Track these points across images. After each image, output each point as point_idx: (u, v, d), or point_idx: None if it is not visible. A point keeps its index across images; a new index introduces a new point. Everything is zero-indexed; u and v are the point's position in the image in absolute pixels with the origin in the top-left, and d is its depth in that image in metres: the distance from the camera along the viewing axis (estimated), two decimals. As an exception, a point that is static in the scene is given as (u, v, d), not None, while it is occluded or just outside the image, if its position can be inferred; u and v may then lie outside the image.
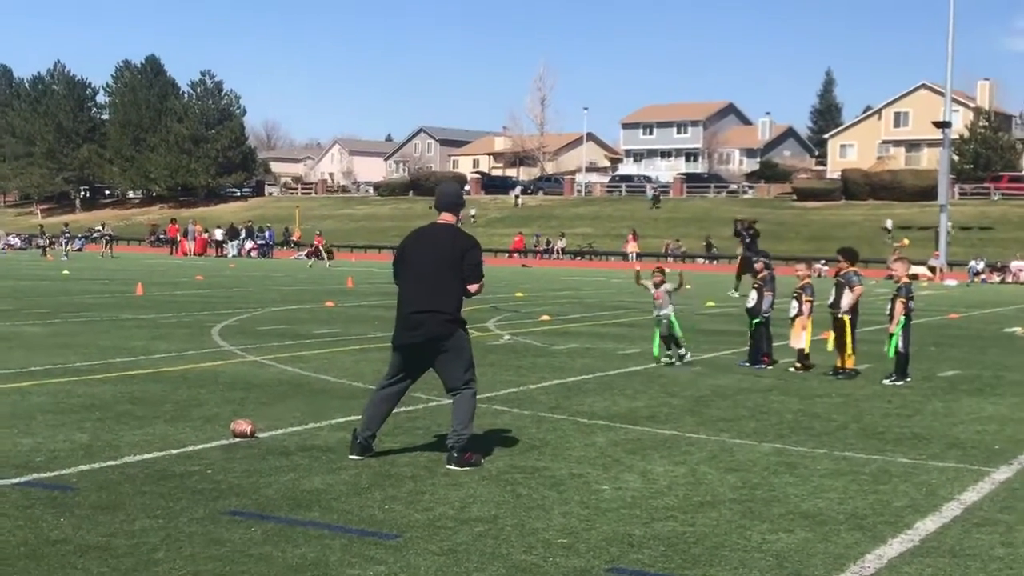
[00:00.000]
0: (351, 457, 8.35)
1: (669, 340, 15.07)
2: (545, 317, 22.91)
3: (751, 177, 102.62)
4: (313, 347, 16.17)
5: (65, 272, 39.93)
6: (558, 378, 13.37)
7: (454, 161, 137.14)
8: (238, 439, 8.93)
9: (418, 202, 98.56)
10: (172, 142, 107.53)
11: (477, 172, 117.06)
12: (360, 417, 8.68)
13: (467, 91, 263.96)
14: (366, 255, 72.38)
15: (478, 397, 8.55)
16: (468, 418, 8.28)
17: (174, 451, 8.48)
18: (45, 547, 5.87)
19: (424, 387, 12.12)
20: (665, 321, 14.97)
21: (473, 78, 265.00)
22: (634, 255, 68.73)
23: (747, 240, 32.62)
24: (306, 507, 6.87)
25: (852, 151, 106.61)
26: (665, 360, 15.02)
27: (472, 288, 8.41)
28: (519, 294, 31.70)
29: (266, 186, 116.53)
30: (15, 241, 73.88)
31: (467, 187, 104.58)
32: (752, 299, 15.10)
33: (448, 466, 8.11)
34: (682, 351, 15.09)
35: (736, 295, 31.47)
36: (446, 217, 8.60)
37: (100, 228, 68.25)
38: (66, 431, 9.14)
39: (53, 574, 5.43)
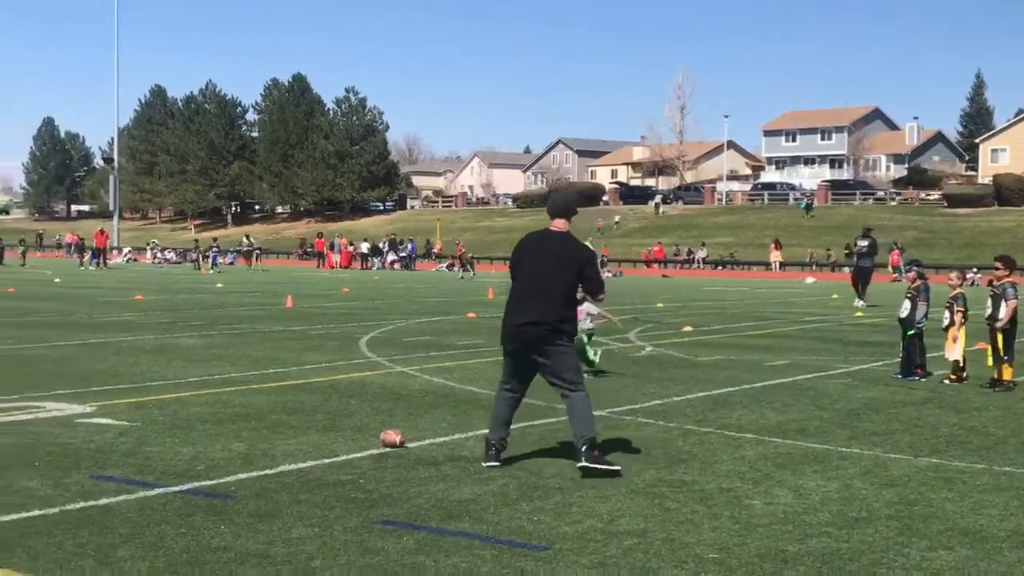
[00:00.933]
0: (486, 465, 8.46)
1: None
2: (687, 328, 22.70)
3: (899, 183, 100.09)
4: (458, 358, 16.34)
5: (219, 285, 41.20)
6: (703, 390, 13.23)
7: (592, 171, 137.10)
8: (388, 449, 9.07)
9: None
10: (318, 158, 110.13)
11: (615, 182, 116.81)
12: (490, 424, 8.80)
13: (605, 101, 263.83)
14: (506, 267, 72.82)
15: (619, 408, 8.52)
16: (588, 419, 8.34)
17: (327, 460, 8.66)
18: (206, 554, 6.06)
19: (569, 399, 12.14)
20: (581, 339, 14.38)
21: (611, 88, 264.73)
22: (778, 264, 67.62)
23: (863, 250, 31.71)
24: (456, 517, 6.94)
25: (1004, 155, 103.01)
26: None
27: (601, 298, 8.64)
28: (660, 305, 31.49)
29: (408, 199, 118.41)
30: (171, 255, 76.53)
31: (605, 198, 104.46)
32: (905, 309, 14.70)
33: (580, 464, 8.18)
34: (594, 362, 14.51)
35: (863, 304, 30.66)
36: (560, 224, 8.66)
37: (245, 240, 70.15)
38: (224, 440, 9.42)
39: (215, 580, 5.59)
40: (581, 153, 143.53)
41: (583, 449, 8.25)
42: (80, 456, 8.63)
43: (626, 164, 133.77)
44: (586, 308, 14.26)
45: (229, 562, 5.91)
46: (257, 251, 66.57)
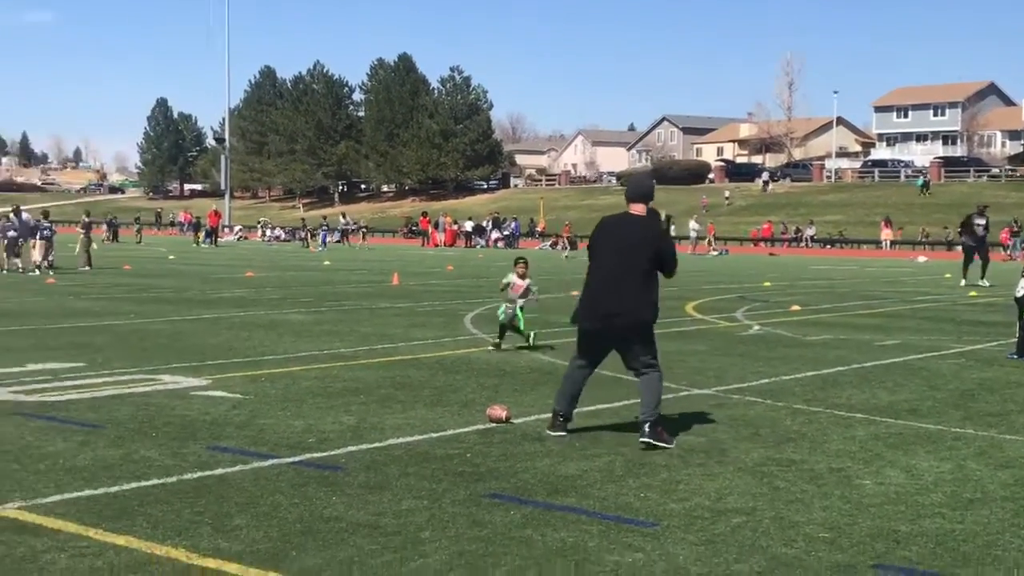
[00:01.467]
0: (553, 434, 8.63)
1: (507, 328, 14.50)
2: (795, 307, 22.40)
3: (1014, 160, 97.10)
4: (562, 336, 16.33)
5: (327, 263, 41.84)
6: (812, 369, 13.06)
7: (697, 149, 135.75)
8: (494, 424, 9.15)
9: (660, 191, 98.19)
10: (423, 137, 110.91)
11: (721, 160, 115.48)
12: (558, 396, 8.86)
13: (711, 78, 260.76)
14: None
15: (726, 387, 8.46)
16: (656, 400, 8.47)
17: (434, 434, 8.76)
18: (319, 523, 6.19)
19: (672, 376, 12.10)
20: (511, 311, 14.45)
21: (718, 64, 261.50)
22: (888, 243, 66.28)
23: (983, 229, 30.83)
24: (563, 492, 6.97)
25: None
26: (492, 347, 14.55)
27: (672, 273, 8.85)
28: (767, 283, 31.10)
29: (511, 178, 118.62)
30: (280, 233, 77.90)
31: (711, 175, 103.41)
32: (1022, 288, 14.30)
33: (642, 440, 8.32)
34: (530, 336, 14.59)
35: (987, 284, 29.89)
36: (638, 208, 8.79)
37: (342, 219, 70.96)
38: (334, 413, 9.59)
39: (327, 549, 5.70)
40: (686, 130, 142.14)
41: (647, 427, 8.36)
42: (196, 427, 8.86)
43: (732, 141, 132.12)
44: (527, 282, 14.61)
45: (341, 532, 6.02)
46: (364, 229, 67.34)
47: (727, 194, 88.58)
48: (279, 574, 5.29)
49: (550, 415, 8.94)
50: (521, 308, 14.55)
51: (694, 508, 6.65)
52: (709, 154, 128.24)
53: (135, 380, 11.24)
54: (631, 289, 8.50)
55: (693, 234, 64.81)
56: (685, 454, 8.18)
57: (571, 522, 6.28)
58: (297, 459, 7.79)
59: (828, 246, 69.77)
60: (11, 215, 31.66)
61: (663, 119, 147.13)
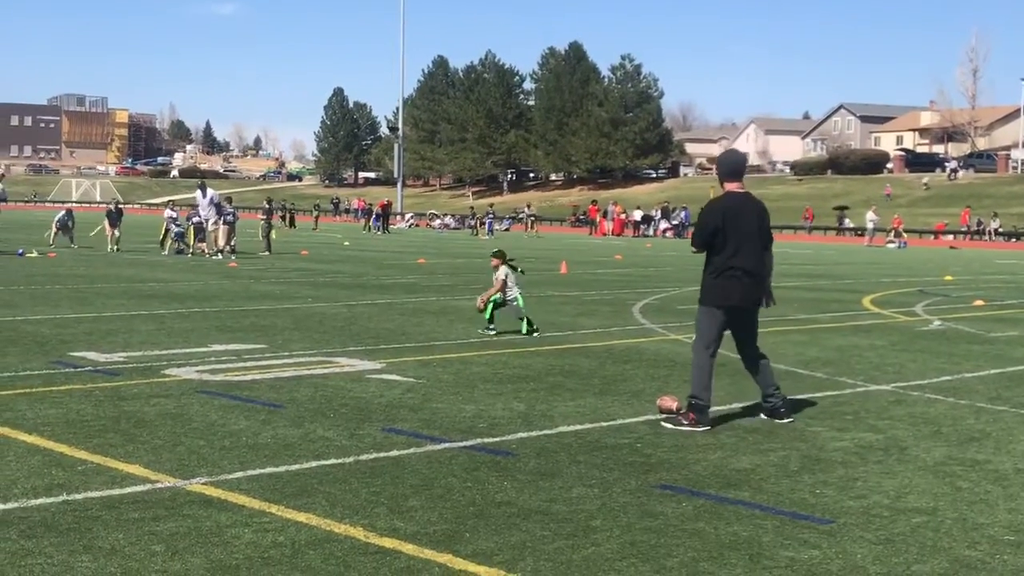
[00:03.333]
0: (706, 429, 8.55)
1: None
2: (979, 302, 21.55)
3: None
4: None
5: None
6: (996, 367, 12.55)
7: (875, 138, 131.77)
8: (664, 415, 9.07)
9: (836, 181, 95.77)
10: (592, 126, 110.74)
11: (900, 149, 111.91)
12: (702, 389, 8.74)
13: (891, 64, 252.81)
14: (781, 235, 71.29)
15: (905, 383, 8.21)
16: (775, 377, 9.07)
17: (604, 423, 8.75)
18: (491, 508, 6.25)
19: (850, 372, 11.80)
20: (514, 304, 14.42)
21: (898, 51, 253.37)
22: (1078, 237, 63.15)
23: None
24: (736, 486, 6.87)
25: None
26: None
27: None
28: (948, 277, 30.03)
29: (681, 167, 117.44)
30: (450, 221, 79.02)
31: (890, 165, 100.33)
32: None
33: (782, 421, 8.80)
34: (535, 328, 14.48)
35: None
36: (737, 185, 8.95)
37: (526, 208, 71.43)
38: (504, 400, 9.68)
39: (500, 533, 5.76)
40: (864, 119, 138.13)
41: (781, 408, 8.91)
42: (371, 409, 9.06)
43: (912, 130, 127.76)
44: (502, 273, 14.64)
45: (513, 516, 6.07)
46: (532, 218, 67.73)
47: (925, 180, 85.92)
48: (453, 556, 5.37)
49: (692, 411, 8.65)
50: (506, 300, 14.63)
51: (872, 506, 6.47)
52: (888, 143, 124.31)
53: (313, 362, 11.57)
54: (763, 263, 8.92)
55: (871, 225, 63.02)
56: (863, 451, 7.97)
57: (744, 516, 6.19)
58: (469, 443, 7.89)
59: (1014, 239, 66.89)
60: (197, 191, 33.05)
61: (840, 107, 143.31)
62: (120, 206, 36.01)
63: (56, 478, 6.62)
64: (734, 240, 8.70)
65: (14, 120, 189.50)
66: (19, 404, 8.83)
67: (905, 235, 62.23)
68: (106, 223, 34.11)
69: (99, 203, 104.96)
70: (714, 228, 8.74)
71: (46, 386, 9.65)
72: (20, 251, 29.09)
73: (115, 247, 32.67)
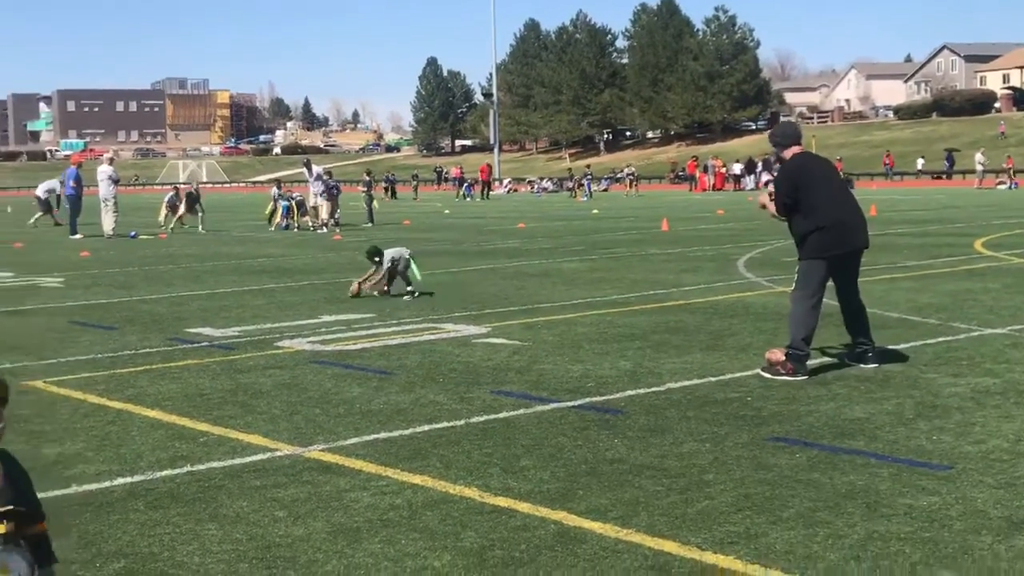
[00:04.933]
0: (805, 377, 8.51)
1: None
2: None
3: None
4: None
5: (595, 211, 42.14)
6: (1118, 306, 12.16)
7: (981, 78, 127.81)
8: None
9: (942, 123, 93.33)
10: (688, 80, 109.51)
11: (1008, 88, 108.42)
12: (807, 337, 8.69)
13: (995, 0, 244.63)
14: (887, 182, 69.78)
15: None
16: (869, 326, 9.09)
17: (712, 378, 8.72)
18: (603, 465, 6.29)
19: (963, 316, 11.56)
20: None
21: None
22: None
23: None
24: (850, 435, 6.81)
25: None
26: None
27: None
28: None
29: (781, 117, 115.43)
30: (548, 185, 78.94)
31: (997, 104, 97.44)
32: None
33: (868, 366, 8.85)
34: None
35: None
36: (798, 148, 9.16)
37: (626, 168, 70.98)
38: (611, 359, 9.70)
39: (613, 490, 5.80)
40: (968, 58, 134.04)
41: (871, 354, 8.92)
42: (479, 373, 9.16)
43: (1020, 68, 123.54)
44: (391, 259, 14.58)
45: (625, 473, 6.11)
46: (631, 177, 67.32)
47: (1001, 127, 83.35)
48: (568, 513, 5.42)
49: (790, 361, 8.62)
50: (412, 257, 14.80)
51: (991, 451, 6.36)
52: (994, 82, 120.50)
53: (420, 329, 11.71)
54: (860, 210, 9.17)
55: (979, 167, 61.32)
56: (979, 396, 7.82)
57: (860, 465, 6.13)
58: (577, 403, 7.94)
59: None
60: (303, 168, 33.55)
61: (943, 47, 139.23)
62: (198, 188, 36.29)
63: (179, 450, 6.83)
64: (822, 192, 8.85)
65: (119, 106, 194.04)
66: (140, 380, 9.12)
67: (1016, 176, 60.40)
68: (164, 205, 34.15)
69: (206, 183, 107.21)
70: (791, 188, 8.86)
71: (165, 362, 9.94)
72: (133, 233, 29.88)
73: (175, 228, 32.39)
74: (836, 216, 8.79)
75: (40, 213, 37.42)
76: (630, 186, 65.30)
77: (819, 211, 8.75)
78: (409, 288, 14.61)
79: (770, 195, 9.26)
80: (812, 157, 9.40)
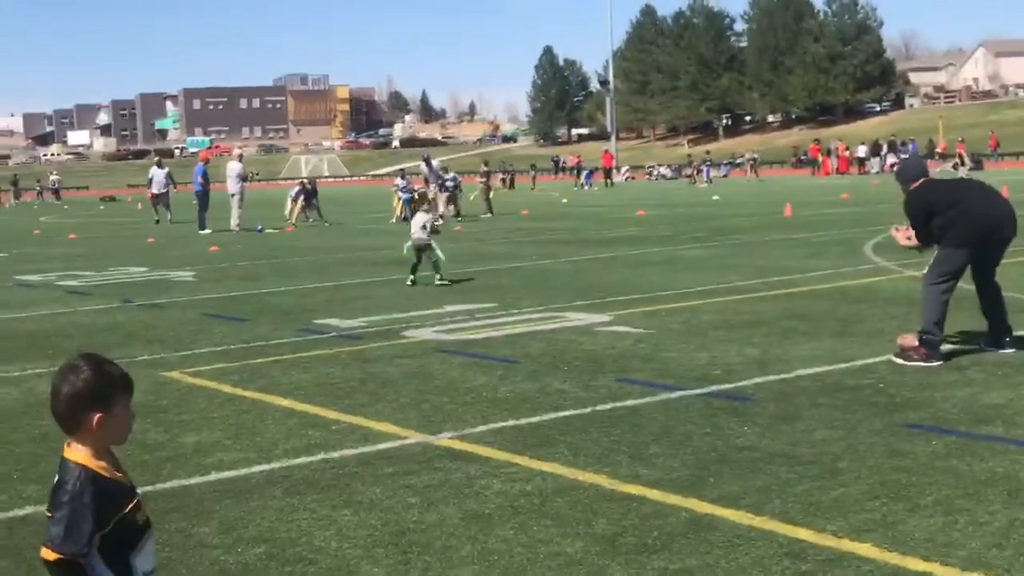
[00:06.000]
0: (939, 364, 8.33)
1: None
2: None
3: None
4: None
5: (715, 197, 41.70)
6: None
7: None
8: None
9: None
10: (809, 62, 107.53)
11: None
12: (940, 325, 8.55)
13: None
14: (1019, 162, 67.54)
15: None
16: (1007, 312, 8.94)
17: (843, 365, 8.58)
18: (733, 452, 6.24)
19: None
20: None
21: None
22: None
23: None
24: (988, 422, 6.63)
25: None
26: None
27: None
28: None
29: (906, 98, 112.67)
30: (666, 171, 78.35)
31: None
32: None
33: (1006, 351, 8.64)
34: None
35: None
36: (924, 180, 9.03)
37: (748, 154, 69.98)
38: (737, 346, 9.60)
39: (744, 478, 5.75)
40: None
41: (1008, 337, 8.73)
42: (603, 361, 9.15)
43: None
44: (419, 219, 14.81)
45: (756, 460, 6.05)
46: (752, 161, 66.40)
47: None
48: (699, 500, 5.40)
49: (924, 346, 8.48)
50: (424, 245, 14.97)
51: None
52: None
53: (543, 318, 11.75)
54: (1007, 203, 9.08)
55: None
56: (1125, 381, 7.54)
57: (999, 452, 5.98)
58: (704, 390, 7.88)
59: None
60: (422, 163, 33.89)
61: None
62: (315, 183, 36.78)
63: (313, 438, 6.98)
64: (966, 193, 8.96)
65: (243, 103, 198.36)
66: (272, 371, 9.34)
67: None
68: (289, 199, 34.69)
69: (328, 177, 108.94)
70: (924, 214, 8.79)
71: (295, 352, 10.16)
72: (259, 227, 30.56)
73: (297, 222, 32.85)
74: (982, 209, 8.70)
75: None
76: (752, 171, 64.41)
77: (962, 207, 8.66)
78: (437, 278, 15.11)
79: (907, 235, 9.14)
80: (935, 182, 9.26)
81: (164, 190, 36.00)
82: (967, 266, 8.73)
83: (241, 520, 5.44)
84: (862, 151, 70.14)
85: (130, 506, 2.96)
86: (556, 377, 8.56)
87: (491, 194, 36.76)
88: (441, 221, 15.54)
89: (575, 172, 71.48)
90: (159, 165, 37.51)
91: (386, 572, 4.70)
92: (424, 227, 15.27)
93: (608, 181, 65.71)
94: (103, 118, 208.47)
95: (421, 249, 15.20)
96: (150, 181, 37.05)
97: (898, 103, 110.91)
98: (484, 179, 37.41)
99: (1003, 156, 69.54)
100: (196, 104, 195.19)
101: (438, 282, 15.05)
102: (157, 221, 35.79)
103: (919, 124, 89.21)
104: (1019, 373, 7.94)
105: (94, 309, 14.11)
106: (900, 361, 8.44)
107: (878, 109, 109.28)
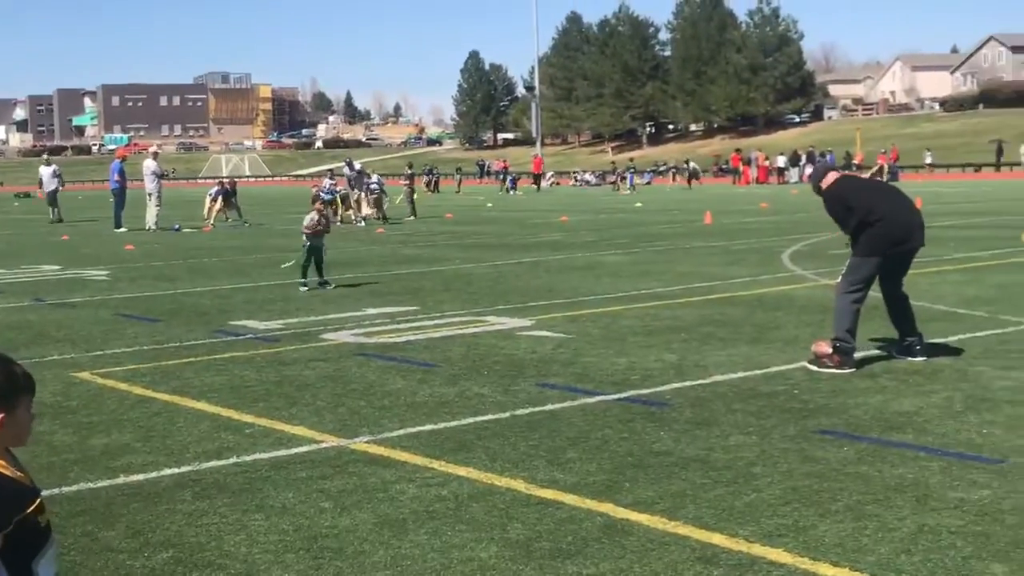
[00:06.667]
0: (851, 371, 8.44)
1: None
2: None
3: None
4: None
5: (638, 204, 41.99)
6: None
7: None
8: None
9: (989, 116, 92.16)
10: (731, 73, 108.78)
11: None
12: (851, 332, 8.66)
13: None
14: (933, 175, 68.97)
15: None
16: (916, 319, 9.03)
17: (758, 371, 8.66)
18: (649, 457, 6.26)
19: (1014, 310, 11.41)
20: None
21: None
22: None
23: None
24: (898, 429, 6.73)
25: None
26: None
27: None
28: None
29: (825, 110, 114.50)
30: (590, 178, 78.72)
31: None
32: None
33: (916, 359, 8.75)
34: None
35: None
36: (836, 175, 9.25)
37: (691, 163, 70.42)
38: (656, 352, 9.65)
39: (659, 482, 5.77)
40: (1016, 49, 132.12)
41: (920, 347, 8.84)
42: (524, 365, 9.14)
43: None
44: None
45: (671, 465, 6.07)
46: (673, 170, 66.96)
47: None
48: (614, 505, 5.40)
49: (837, 354, 8.58)
50: (311, 246, 14.86)
51: (1045, 445, 6.26)
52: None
53: (464, 322, 11.71)
54: (918, 210, 9.23)
55: (1026, 159, 60.52)
56: (1031, 389, 7.71)
57: (909, 458, 6.06)
58: (623, 396, 7.90)
59: None
60: (344, 166, 33.66)
61: (989, 38, 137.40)
62: (234, 182, 36.44)
63: (226, 441, 6.87)
64: (880, 197, 8.99)
65: (163, 101, 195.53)
66: (186, 372, 9.18)
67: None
68: (208, 199, 34.22)
69: (249, 177, 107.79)
70: (842, 206, 8.90)
71: (210, 354, 10.00)
72: (176, 226, 30.11)
73: (216, 222, 32.32)
74: (893, 215, 8.79)
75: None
76: (688, 179, 64.71)
77: (875, 212, 8.76)
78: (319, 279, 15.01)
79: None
80: (851, 177, 9.47)
81: (52, 188, 35.99)
82: (877, 274, 8.86)
83: (149, 524, 5.33)
84: (781, 161, 71.16)
85: (32, 507, 2.86)
86: (476, 381, 8.53)
87: (415, 197, 36.65)
88: (325, 221, 15.21)
89: (501, 176, 71.50)
90: (47, 163, 38.13)
91: (297, 577, 4.62)
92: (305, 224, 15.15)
93: (538, 186, 65.93)
94: (19, 113, 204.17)
95: (313, 250, 14.96)
96: (40, 181, 37.40)
97: (817, 115, 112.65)
98: (408, 182, 37.28)
99: (902, 169, 70.51)
100: (115, 101, 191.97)
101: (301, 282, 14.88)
102: (51, 220, 35.33)
103: (837, 135, 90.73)
104: (929, 381, 8.08)
105: (4, 307, 13.79)
106: (814, 368, 8.55)
107: (798, 120, 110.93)
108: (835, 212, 9.02)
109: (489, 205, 45.53)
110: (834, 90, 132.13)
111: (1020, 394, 7.57)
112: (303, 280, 14.93)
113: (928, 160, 71.21)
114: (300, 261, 15.11)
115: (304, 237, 15.05)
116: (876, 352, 9.26)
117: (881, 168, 58.13)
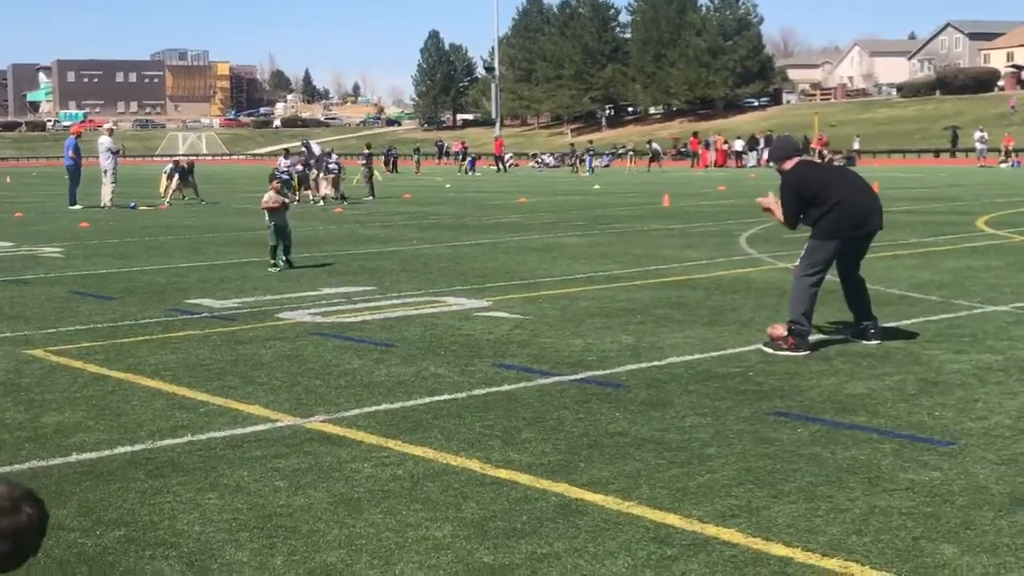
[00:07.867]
0: (807, 353, 8.50)
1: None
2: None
3: None
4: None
5: (596, 187, 42.06)
6: (1121, 285, 12.14)
7: (985, 56, 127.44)
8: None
9: (945, 101, 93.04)
10: (691, 56, 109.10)
11: (1012, 66, 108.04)
12: (807, 314, 8.72)
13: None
14: (890, 160, 69.58)
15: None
16: (871, 303, 9.13)
17: (714, 353, 8.71)
18: (604, 438, 6.28)
19: (966, 293, 11.54)
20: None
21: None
22: None
23: None
24: (851, 411, 6.80)
25: None
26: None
27: None
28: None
29: (784, 94, 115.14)
30: (549, 160, 78.72)
31: (1000, 83, 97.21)
32: None
33: (871, 342, 8.83)
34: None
35: None
36: (798, 159, 9.16)
37: (654, 144, 70.36)
38: (612, 333, 9.68)
39: (614, 463, 5.79)
40: (973, 36, 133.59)
41: (874, 330, 8.90)
42: (481, 346, 9.14)
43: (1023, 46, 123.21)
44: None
45: (626, 446, 6.10)
46: (631, 153, 67.12)
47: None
48: (569, 485, 5.41)
49: (792, 336, 8.64)
50: (276, 225, 14.77)
51: (994, 427, 6.35)
52: (998, 60, 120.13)
53: (422, 302, 11.69)
54: (876, 196, 9.17)
55: (979, 146, 61.20)
56: (982, 372, 7.81)
57: (862, 440, 6.13)
58: (579, 376, 7.92)
59: None
60: (302, 146, 33.45)
61: (947, 25, 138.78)
62: (191, 161, 36.25)
63: (180, 420, 6.82)
64: (832, 187, 8.87)
65: (119, 77, 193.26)
66: (140, 350, 9.10)
67: (1016, 155, 60.28)
68: (164, 176, 33.99)
69: (206, 155, 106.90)
70: (797, 200, 8.92)
71: (165, 332, 9.92)
72: (132, 204, 29.81)
73: (172, 200, 32.15)
74: (852, 199, 8.83)
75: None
76: (650, 161, 64.66)
77: (834, 197, 8.77)
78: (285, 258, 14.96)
79: (774, 202, 9.28)
80: (811, 164, 9.38)
81: None
82: (835, 258, 8.90)
83: (101, 503, 5.28)
84: (739, 145, 71.54)
85: None
86: (432, 361, 8.52)
87: (374, 177, 36.47)
88: (282, 199, 15.05)
89: (459, 157, 71.34)
90: None
91: (250, 556, 4.61)
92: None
93: (500, 167, 65.87)
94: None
95: (278, 229, 14.86)
96: None
97: (776, 99, 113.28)
98: (366, 162, 37.09)
99: (860, 154, 70.84)
100: (71, 76, 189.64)
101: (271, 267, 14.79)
102: None
103: (796, 119, 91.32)
104: (883, 364, 8.16)
105: (-46, 284, 13.59)
106: (769, 350, 8.62)
107: (756, 104, 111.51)
108: (789, 201, 9.02)
109: (447, 186, 45.44)
110: (793, 74, 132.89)
111: (971, 378, 7.67)
112: (272, 260, 14.81)
113: (856, 146, 71.12)
114: (269, 242, 14.97)
115: (266, 215, 14.91)
116: (831, 336, 9.34)
117: (822, 153, 58.44)
